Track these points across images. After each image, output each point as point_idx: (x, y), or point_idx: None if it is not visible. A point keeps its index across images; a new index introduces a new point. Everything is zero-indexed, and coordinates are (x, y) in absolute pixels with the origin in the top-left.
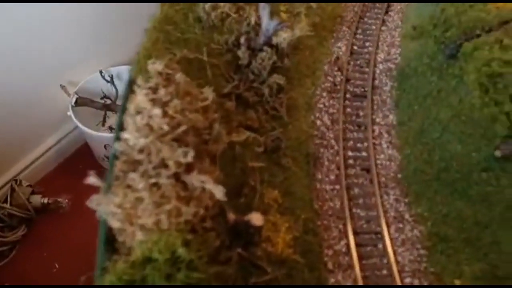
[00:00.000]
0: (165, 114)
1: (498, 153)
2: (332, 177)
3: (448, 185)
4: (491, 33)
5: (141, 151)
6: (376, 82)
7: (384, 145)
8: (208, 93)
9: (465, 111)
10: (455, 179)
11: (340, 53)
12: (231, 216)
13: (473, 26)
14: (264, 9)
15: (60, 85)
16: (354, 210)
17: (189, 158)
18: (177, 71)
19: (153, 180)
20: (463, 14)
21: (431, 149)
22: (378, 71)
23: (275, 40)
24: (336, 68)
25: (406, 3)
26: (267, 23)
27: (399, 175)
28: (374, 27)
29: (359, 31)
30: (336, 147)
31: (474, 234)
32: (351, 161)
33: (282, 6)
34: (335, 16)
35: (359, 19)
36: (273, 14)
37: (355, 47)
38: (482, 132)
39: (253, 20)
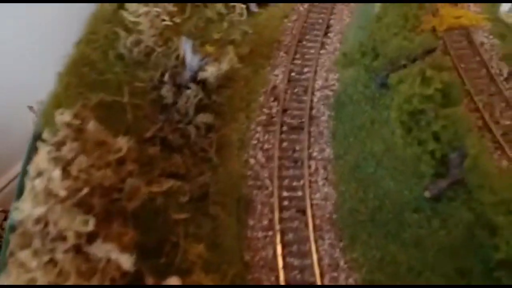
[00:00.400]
0: (67, 175)
1: (427, 194)
2: (265, 222)
3: (382, 227)
4: (416, 63)
5: (37, 221)
6: (314, 111)
7: (320, 182)
8: (123, 143)
9: (396, 146)
10: (388, 220)
11: (277, 81)
12: (149, 281)
13: (399, 55)
14: (187, 44)
15: (28, 106)
16: (287, 259)
17: (90, 226)
18: (90, 119)
19: (48, 257)
20: (387, 43)
21: (365, 186)
22: (315, 100)
23: (202, 75)
24: (272, 98)
25: (346, 24)
26: (191, 59)
27: (334, 216)
28: (313, 51)
29: (298, 56)
30: (270, 188)
31: (408, 281)
32: (286, 202)
33: (216, 34)
34: (273, 41)
35: (298, 43)
36: (198, 47)
37: (293, 74)
38: (412, 170)
39: (182, 52)
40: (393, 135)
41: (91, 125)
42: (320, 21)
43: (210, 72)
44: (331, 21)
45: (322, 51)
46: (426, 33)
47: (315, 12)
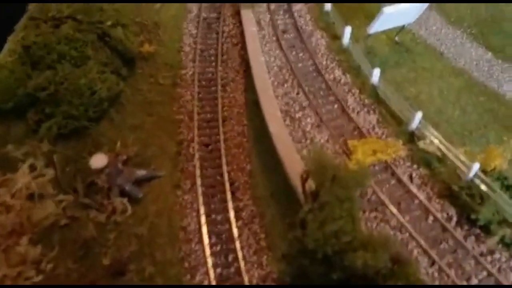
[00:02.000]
0: None
1: None
2: None
3: None
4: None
5: None
6: None
7: None
8: None
9: None
10: None
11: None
12: None
13: (364, 271)
14: None
15: None
16: None
17: None
18: None
19: None
20: (346, 255)
21: None
22: None
23: None
24: None
25: (248, 173)
26: None
27: None
28: (227, 226)
29: (213, 240)
30: None
31: None
32: None
33: (104, 258)
34: (176, 233)
35: (206, 219)
36: None
37: (218, 270)
38: None
39: None
40: None
41: None
42: (218, 177)
43: None
44: (232, 173)
45: (238, 223)
46: (384, 236)
47: (210, 167)
